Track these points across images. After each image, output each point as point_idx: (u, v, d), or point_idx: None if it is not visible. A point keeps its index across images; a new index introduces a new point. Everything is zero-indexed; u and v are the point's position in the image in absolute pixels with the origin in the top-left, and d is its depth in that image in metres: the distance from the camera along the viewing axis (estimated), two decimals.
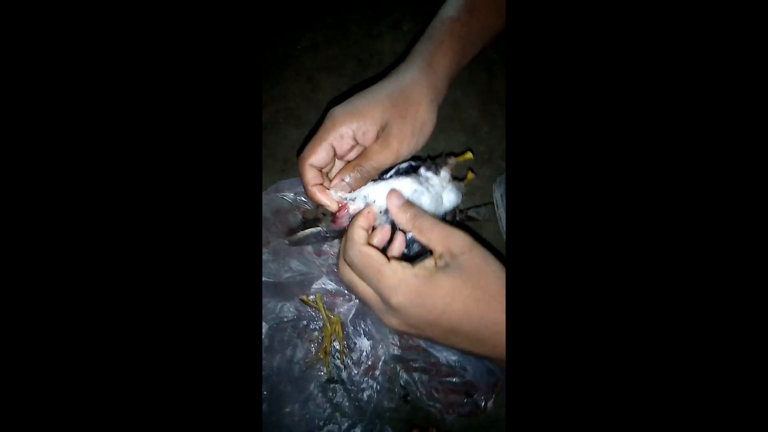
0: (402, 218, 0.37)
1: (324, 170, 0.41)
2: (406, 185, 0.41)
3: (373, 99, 0.38)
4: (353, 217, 0.38)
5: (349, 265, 0.35)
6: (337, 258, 0.38)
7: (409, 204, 0.38)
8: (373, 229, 0.39)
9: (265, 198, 0.59)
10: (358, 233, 0.36)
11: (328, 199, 0.39)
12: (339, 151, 0.39)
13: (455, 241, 0.34)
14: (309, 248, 0.58)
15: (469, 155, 0.49)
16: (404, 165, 0.43)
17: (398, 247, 0.38)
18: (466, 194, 0.62)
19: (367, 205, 0.39)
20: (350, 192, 0.39)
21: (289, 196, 0.61)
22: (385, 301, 0.33)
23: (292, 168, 0.65)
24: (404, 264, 0.33)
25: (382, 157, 0.38)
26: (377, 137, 0.38)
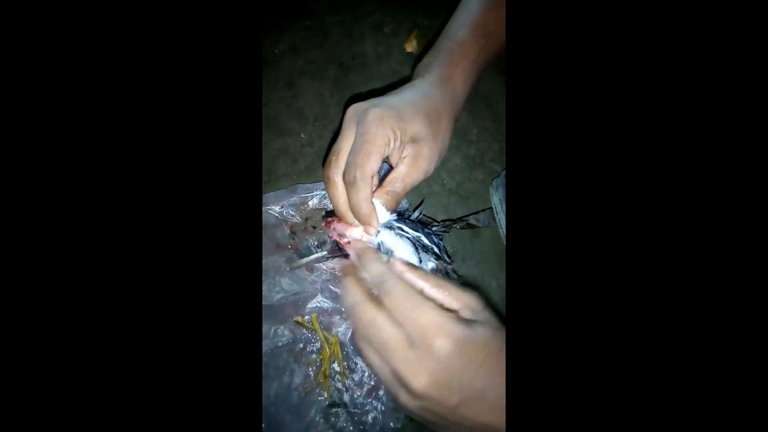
0: (413, 278, 0.32)
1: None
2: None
3: (412, 107, 0.35)
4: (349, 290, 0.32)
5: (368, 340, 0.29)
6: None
7: (412, 266, 0.34)
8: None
9: None
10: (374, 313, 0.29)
11: (376, 221, 0.36)
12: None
13: (471, 297, 0.31)
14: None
15: None
16: (425, 239, 0.39)
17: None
18: (462, 200, 0.61)
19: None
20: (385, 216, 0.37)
21: (276, 209, 0.57)
22: (421, 343, 0.27)
23: (275, 180, 0.61)
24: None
25: (412, 179, 0.36)
26: (401, 153, 0.36)
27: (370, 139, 0.33)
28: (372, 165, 0.33)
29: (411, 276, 0.32)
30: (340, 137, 0.36)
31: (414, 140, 0.35)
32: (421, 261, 0.38)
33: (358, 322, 0.30)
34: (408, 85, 0.39)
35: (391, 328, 0.28)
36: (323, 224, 0.38)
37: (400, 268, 0.32)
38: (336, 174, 0.35)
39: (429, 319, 0.27)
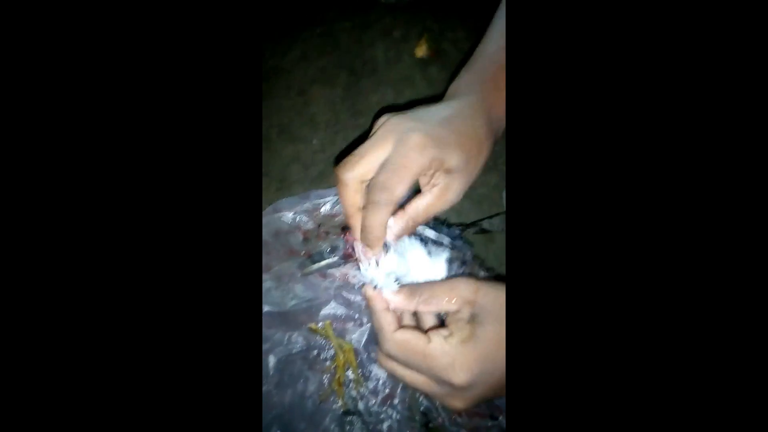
0: (402, 304, 0.33)
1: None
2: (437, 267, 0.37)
3: (456, 137, 0.32)
4: (374, 301, 0.33)
5: (390, 357, 0.32)
6: (377, 345, 0.34)
7: (404, 288, 0.34)
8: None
9: (263, 219, 0.56)
10: (385, 320, 0.32)
11: (380, 249, 0.34)
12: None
13: (461, 289, 0.31)
14: None
15: None
16: (430, 234, 0.39)
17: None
18: (475, 204, 0.60)
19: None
20: (393, 240, 0.34)
21: (289, 216, 0.57)
22: (445, 383, 0.29)
23: (287, 187, 0.62)
24: (443, 333, 0.30)
25: (436, 210, 0.34)
26: (431, 180, 0.33)
27: (407, 164, 0.31)
28: (402, 191, 0.31)
29: (401, 303, 0.33)
30: (370, 143, 0.33)
31: (448, 171, 0.33)
32: (430, 254, 0.37)
33: (385, 368, 0.33)
34: (449, 104, 0.36)
35: (410, 377, 0.31)
36: (341, 233, 0.39)
37: (389, 300, 0.33)
38: (349, 176, 0.33)
39: (438, 364, 0.29)
